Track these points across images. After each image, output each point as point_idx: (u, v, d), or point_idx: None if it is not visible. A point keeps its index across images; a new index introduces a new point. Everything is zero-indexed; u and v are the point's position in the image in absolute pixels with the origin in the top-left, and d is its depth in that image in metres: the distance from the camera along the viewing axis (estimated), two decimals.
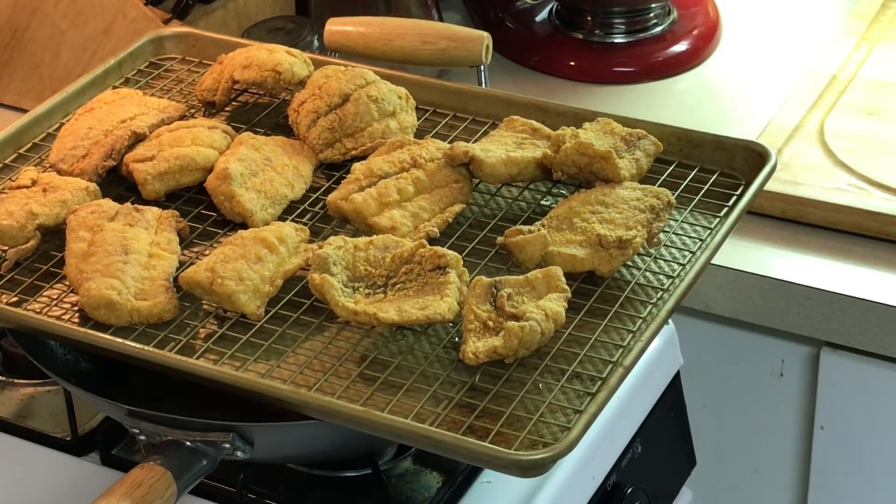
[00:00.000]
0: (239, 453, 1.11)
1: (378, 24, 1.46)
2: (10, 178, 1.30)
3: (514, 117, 1.31)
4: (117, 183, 1.30)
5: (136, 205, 1.24)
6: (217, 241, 1.23)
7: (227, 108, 1.40)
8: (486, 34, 1.43)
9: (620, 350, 1.10)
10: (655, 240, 1.19)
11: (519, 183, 1.27)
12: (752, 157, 1.28)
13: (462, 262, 1.15)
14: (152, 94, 1.40)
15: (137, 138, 1.30)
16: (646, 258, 1.19)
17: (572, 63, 1.80)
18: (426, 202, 1.23)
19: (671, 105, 1.73)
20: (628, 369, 1.08)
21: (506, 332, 1.07)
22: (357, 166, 1.25)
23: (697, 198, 1.26)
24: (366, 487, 1.25)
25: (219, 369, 1.09)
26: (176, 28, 1.54)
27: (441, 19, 1.77)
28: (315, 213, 1.26)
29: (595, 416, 1.04)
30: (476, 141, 1.31)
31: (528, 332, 1.07)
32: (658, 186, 1.23)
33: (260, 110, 1.40)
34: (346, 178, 1.25)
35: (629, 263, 1.18)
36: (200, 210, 1.27)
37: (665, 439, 1.45)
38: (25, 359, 1.22)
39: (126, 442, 1.29)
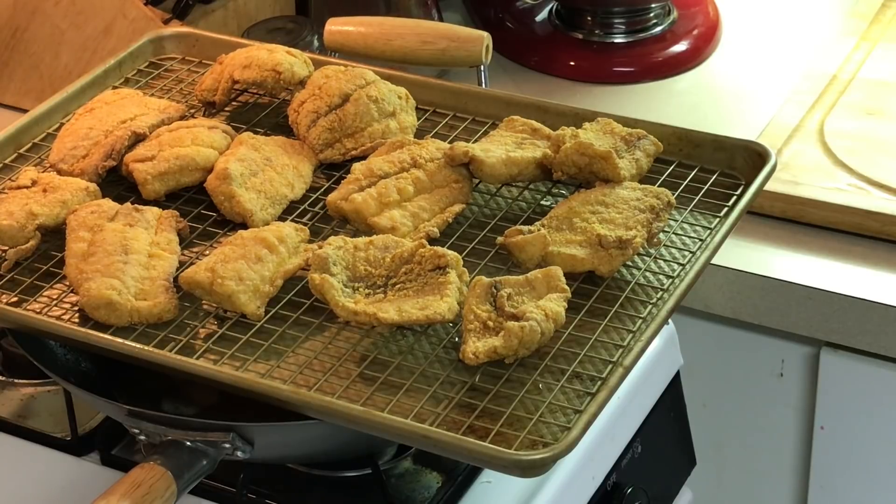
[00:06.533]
0: (239, 453, 1.11)
1: (378, 24, 1.46)
2: (10, 178, 1.30)
3: (514, 117, 1.31)
4: (117, 183, 1.30)
5: (136, 205, 1.24)
6: (217, 241, 1.23)
7: (227, 108, 1.40)
8: (486, 34, 1.43)
9: (620, 350, 1.10)
10: (655, 240, 1.18)
11: (519, 183, 1.27)
12: (752, 157, 1.28)
13: (462, 262, 1.15)
14: (152, 95, 1.40)
15: (137, 138, 1.30)
16: (646, 258, 1.19)
17: (572, 63, 1.80)
18: (426, 202, 1.23)
19: (671, 105, 1.73)
20: (628, 369, 1.08)
21: (506, 332, 1.07)
22: (357, 166, 1.25)
23: (697, 198, 1.26)
24: (366, 487, 1.25)
25: (219, 369, 1.09)
26: (176, 28, 1.54)
27: (441, 19, 1.77)
28: (315, 213, 1.26)
29: (595, 416, 1.04)
30: (476, 141, 1.31)
31: (528, 332, 1.07)
32: (658, 186, 1.23)
33: (260, 110, 1.40)
34: (346, 178, 1.25)
35: (629, 263, 1.18)
36: (200, 210, 1.27)
37: (665, 439, 1.45)
38: (25, 359, 1.21)
39: (126, 442, 1.29)
